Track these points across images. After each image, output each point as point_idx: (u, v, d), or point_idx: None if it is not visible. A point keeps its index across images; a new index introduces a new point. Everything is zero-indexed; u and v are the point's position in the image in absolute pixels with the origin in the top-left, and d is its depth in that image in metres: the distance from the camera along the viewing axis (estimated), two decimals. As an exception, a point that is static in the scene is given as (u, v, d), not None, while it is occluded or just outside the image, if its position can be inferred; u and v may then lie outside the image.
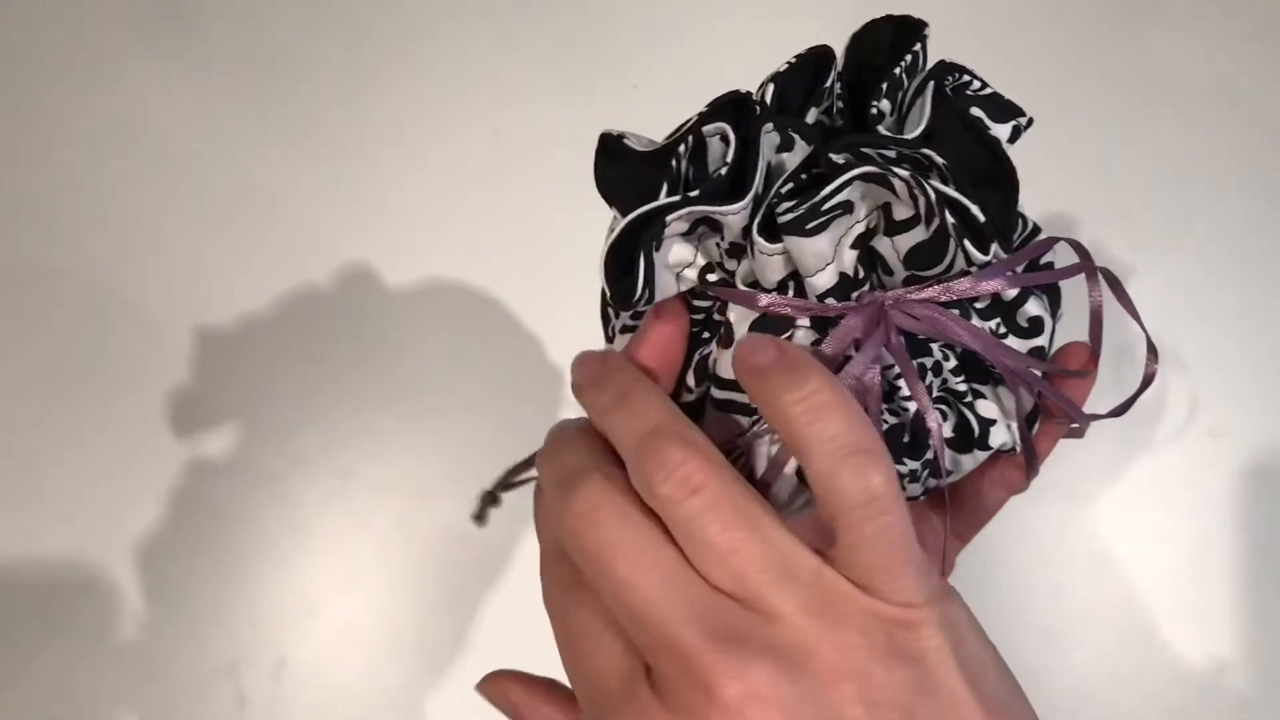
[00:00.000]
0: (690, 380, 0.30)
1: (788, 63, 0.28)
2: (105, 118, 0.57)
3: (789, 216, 0.25)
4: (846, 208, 0.25)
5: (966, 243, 0.25)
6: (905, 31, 0.28)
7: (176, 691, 0.49)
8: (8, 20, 0.58)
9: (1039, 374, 0.29)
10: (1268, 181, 0.54)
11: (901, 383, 0.28)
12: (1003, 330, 0.29)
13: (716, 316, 0.29)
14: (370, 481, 0.52)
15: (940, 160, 0.25)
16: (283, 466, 0.52)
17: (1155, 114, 0.56)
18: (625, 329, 0.31)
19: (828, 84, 0.28)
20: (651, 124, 0.30)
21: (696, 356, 0.29)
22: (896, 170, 0.24)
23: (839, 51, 0.28)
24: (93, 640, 0.49)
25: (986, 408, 0.29)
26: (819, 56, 0.28)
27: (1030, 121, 0.28)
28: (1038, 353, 0.29)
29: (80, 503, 0.51)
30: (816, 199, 0.24)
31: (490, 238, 0.55)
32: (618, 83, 0.57)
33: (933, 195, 0.24)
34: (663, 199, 0.26)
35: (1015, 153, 0.27)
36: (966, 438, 0.29)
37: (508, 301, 0.53)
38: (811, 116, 0.28)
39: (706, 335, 0.29)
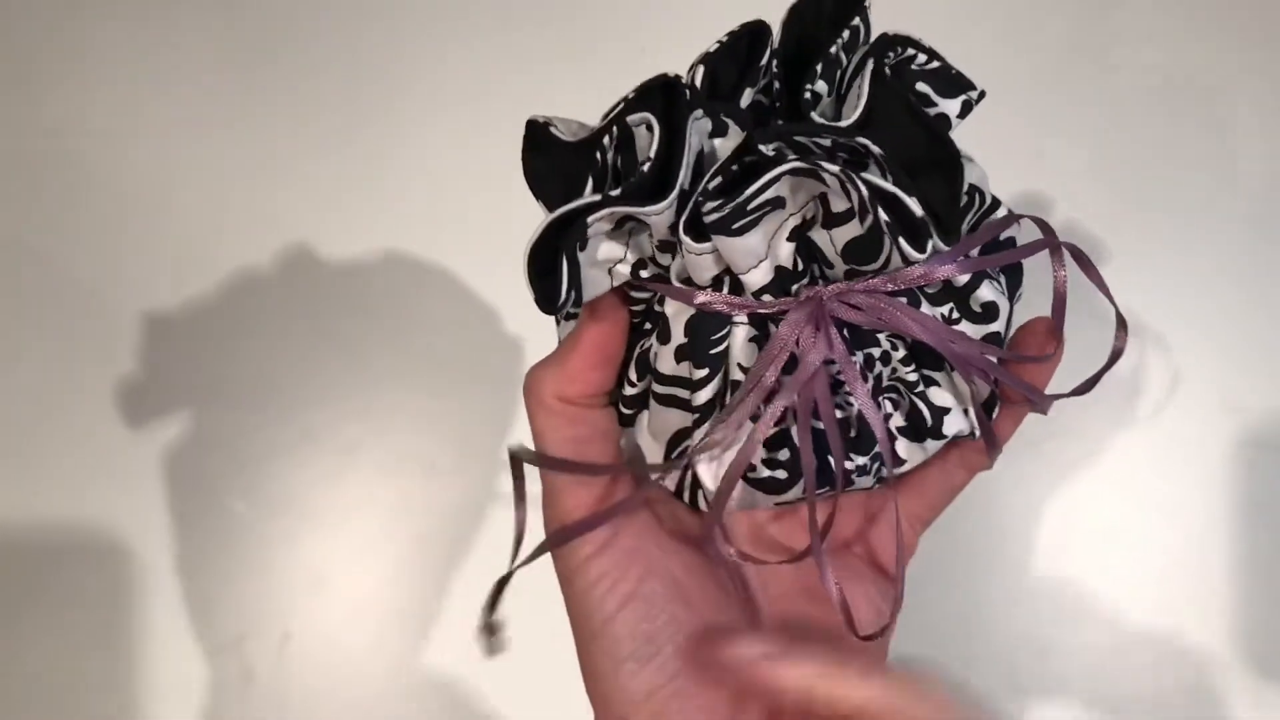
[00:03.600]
0: (632, 374, 0.29)
1: (719, 41, 0.26)
2: (113, 93, 0.57)
3: (714, 216, 0.23)
4: (777, 203, 0.24)
5: (901, 240, 0.23)
6: (845, 4, 0.26)
7: (182, 664, 0.49)
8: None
9: (994, 360, 0.27)
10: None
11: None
12: (955, 316, 0.27)
13: (657, 308, 0.28)
14: (377, 457, 0.52)
15: (877, 150, 0.24)
16: (290, 441, 0.52)
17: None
18: (569, 316, 0.30)
19: (763, 61, 0.26)
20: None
21: (638, 350, 0.28)
22: (825, 165, 0.23)
23: (776, 24, 0.27)
24: (99, 613, 0.50)
25: (940, 395, 0.28)
26: (753, 32, 0.26)
27: (982, 95, 0.26)
28: (993, 338, 0.27)
29: (88, 476, 0.51)
30: (741, 198, 0.23)
31: (499, 210, 0.54)
32: (627, 47, 0.55)
33: (865, 191, 0.23)
34: (585, 197, 0.24)
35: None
36: (919, 427, 0.28)
37: (516, 278, 0.53)
38: (747, 97, 0.26)
39: (649, 327, 0.28)
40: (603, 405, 0.28)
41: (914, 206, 0.23)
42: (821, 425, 0.27)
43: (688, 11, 0.55)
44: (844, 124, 0.24)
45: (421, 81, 0.56)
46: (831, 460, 0.27)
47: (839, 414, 0.27)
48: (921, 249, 0.23)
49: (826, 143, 0.24)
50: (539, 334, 0.52)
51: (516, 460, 0.28)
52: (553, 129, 0.26)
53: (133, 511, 0.51)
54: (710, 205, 0.23)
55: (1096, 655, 0.48)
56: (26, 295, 0.54)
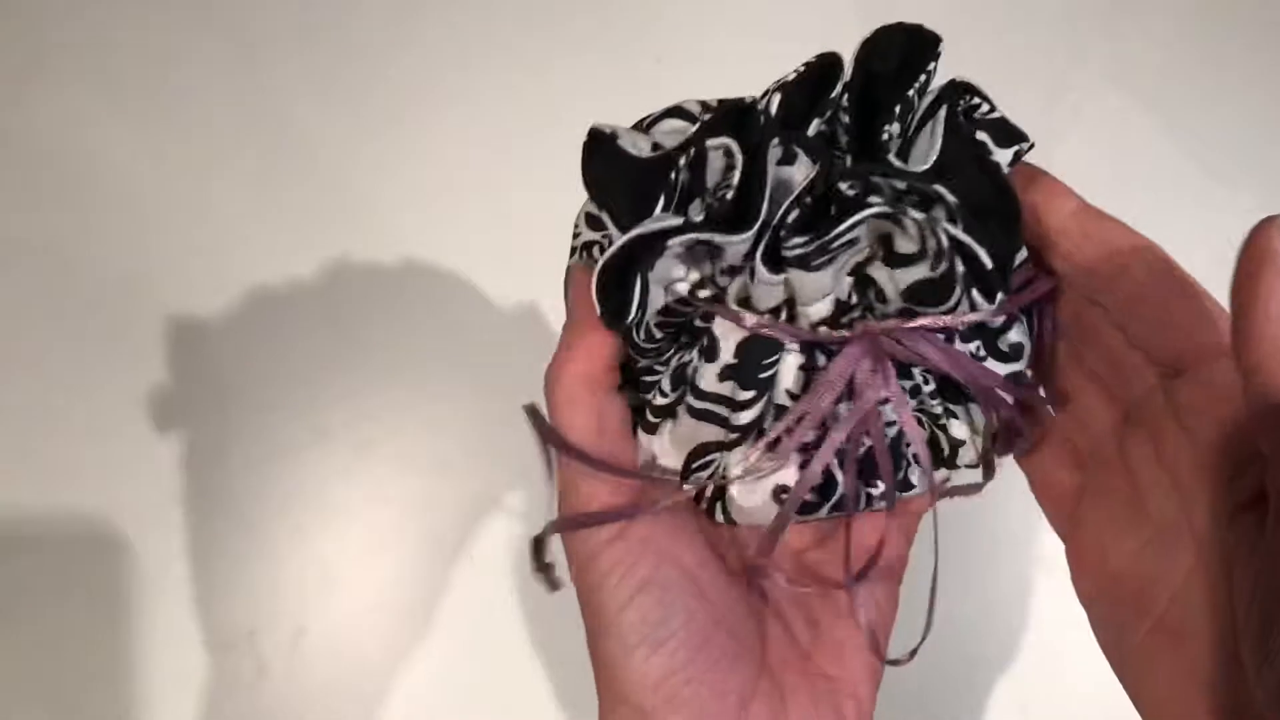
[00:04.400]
0: (666, 385, 0.29)
1: (796, 71, 0.26)
2: (132, 96, 0.56)
3: (797, 252, 0.24)
4: (853, 242, 0.24)
5: (974, 291, 0.24)
6: (917, 45, 0.26)
7: (195, 658, 0.49)
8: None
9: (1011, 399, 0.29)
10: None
11: (883, 407, 0.28)
12: (982, 353, 0.29)
13: (698, 323, 0.28)
14: (391, 454, 0.52)
15: (951, 198, 0.25)
16: (304, 438, 0.52)
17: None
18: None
19: (833, 95, 0.26)
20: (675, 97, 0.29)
21: (675, 363, 0.29)
22: (910, 212, 0.23)
23: (847, 56, 0.27)
24: (112, 606, 0.50)
25: (958, 428, 0.29)
26: (827, 65, 0.26)
27: (1031, 146, 0.27)
28: (1016, 377, 0.29)
29: (102, 468, 0.51)
30: (828, 237, 0.23)
31: (514, 210, 0.54)
32: (641, 55, 0.56)
33: (944, 240, 0.23)
34: (662, 218, 0.24)
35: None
36: (936, 456, 0.29)
37: (532, 275, 0.53)
38: (814, 128, 0.27)
39: (685, 340, 0.29)
40: (617, 388, 0.29)
41: (986, 259, 0.24)
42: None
43: (699, 20, 0.56)
44: (919, 169, 0.25)
45: (440, 84, 0.56)
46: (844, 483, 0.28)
47: (868, 441, 0.28)
48: (991, 300, 0.24)
49: (901, 185, 0.25)
50: (549, 334, 0.53)
51: (537, 420, 0.28)
52: (620, 142, 0.26)
53: (147, 507, 0.51)
54: (796, 241, 0.24)
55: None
56: (48, 295, 0.54)
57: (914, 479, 0.30)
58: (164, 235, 0.54)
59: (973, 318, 0.26)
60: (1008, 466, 0.31)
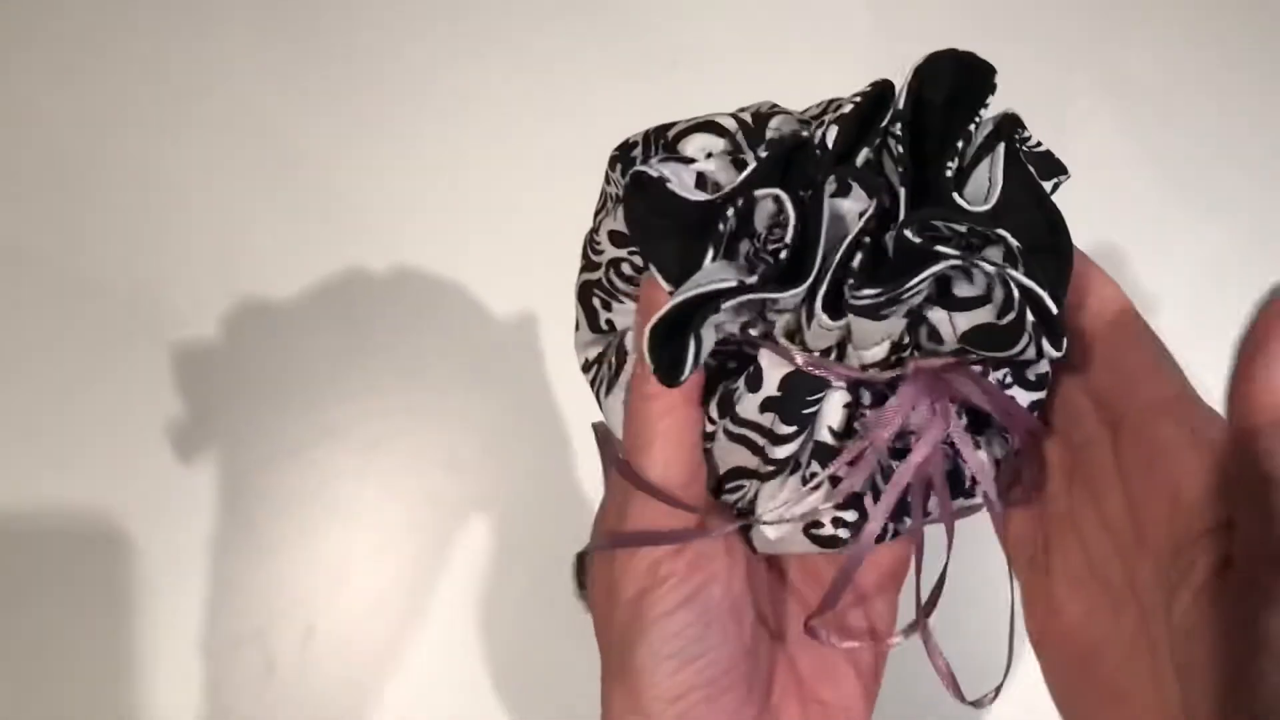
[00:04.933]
0: (713, 412, 0.28)
1: (852, 103, 0.25)
2: (143, 96, 0.55)
3: (866, 302, 0.23)
4: (922, 290, 0.24)
5: (1044, 340, 0.24)
6: (971, 74, 0.25)
7: (204, 656, 0.49)
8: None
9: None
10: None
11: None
12: (1009, 380, 0.29)
13: (747, 350, 0.27)
14: (401, 453, 0.52)
15: (1014, 242, 0.24)
16: (314, 436, 0.51)
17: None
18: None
19: (884, 123, 0.25)
20: (693, 101, 0.29)
21: (721, 389, 0.28)
22: (981, 265, 0.23)
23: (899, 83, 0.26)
24: (121, 603, 0.49)
25: (978, 460, 0.30)
26: (880, 94, 0.25)
27: (1068, 177, 0.27)
28: (1036, 405, 0.29)
29: (112, 466, 0.51)
30: (899, 290, 0.23)
31: (526, 211, 0.54)
32: (656, 56, 0.55)
33: (1015, 291, 0.23)
34: (716, 277, 0.23)
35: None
36: (957, 486, 0.29)
37: (541, 275, 0.51)
38: (862, 156, 0.26)
39: (733, 365, 0.28)
40: (700, 402, 0.28)
41: (1051, 305, 0.24)
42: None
43: (714, 21, 0.55)
44: (980, 208, 0.25)
45: (452, 86, 0.56)
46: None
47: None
48: (1059, 347, 0.24)
49: (962, 228, 0.24)
50: (558, 334, 0.52)
51: (604, 443, 0.29)
52: (669, 185, 0.24)
53: (157, 505, 0.50)
54: (866, 293, 0.23)
55: None
56: (60, 295, 0.53)
57: (930, 506, 0.30)
58: (175, 235, 0.53)
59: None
60: None
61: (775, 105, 0.28)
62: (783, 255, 0.23)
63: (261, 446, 0.51)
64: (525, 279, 0.52)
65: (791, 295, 0.23)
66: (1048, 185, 0.27)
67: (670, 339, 0.24)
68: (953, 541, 0.32)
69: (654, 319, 0.23)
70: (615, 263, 0.29)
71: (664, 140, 0.28)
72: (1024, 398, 0.29)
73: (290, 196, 0.54)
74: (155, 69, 0.55)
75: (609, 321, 0.31)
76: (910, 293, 0.23)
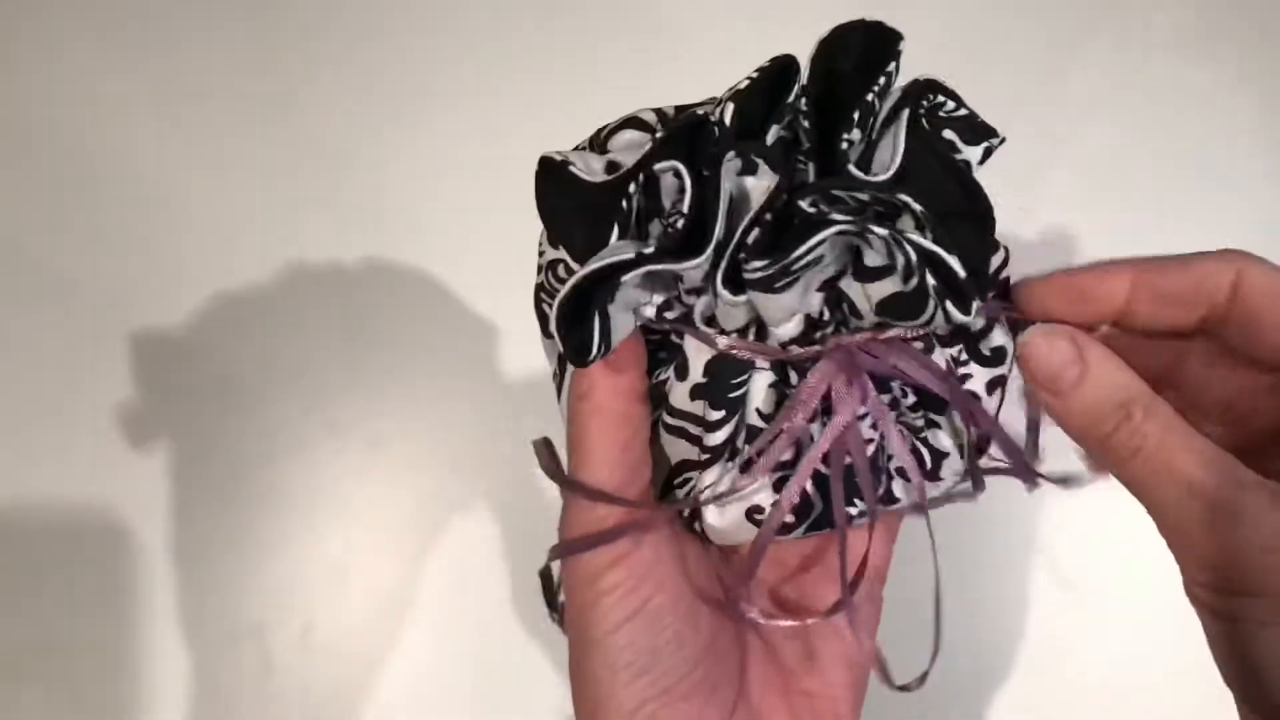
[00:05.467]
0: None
1: (749, 77, 0.25)
2: (149, 100, 0.56)
3: (758, 275, 0.23)
4: (816, 260, 0.23)
5: (948, 303, 0.23)
6: (877, 43, 0.25)
7: (202, 651, 0.49)
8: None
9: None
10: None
11: (860, 423, 0.27)
12: (965, 358, 0.28)
13: (674, 338, 0.27)
14: (402, 450, 0.51)
15: (917, 206, 0.23)
16: (316, 434, 0.51)
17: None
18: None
19: (790, 98, 0.25)
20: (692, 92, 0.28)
21: (653, 379, 0.28)
22: (874, 229, 0.22)
23: (803, 57, 0.26)
24: (120, 598, 0.50)
25: (941, 439, 0.28)
26: (782, 68, 0.25)
27: (1002, 141, 0.26)
28: (998, 381, 0.28)
29: (111, 461, 0.51)
30: (788, 260, 0.22)
31: (531, 208, 0.53)
32: (657, 50, 0.55)
33: (913, 255, 0.22)
34: (616, 251, 0.23)
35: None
36: (918, 468, 0.28)
37: None
38: (773, 134, 0.25)
39: (664, 355, 0.28)
40: (644, 397, 0.28)
41: (958, 268, 0.23)
42: (826, 471, 0.27)
43: (715, 14, 0.55)
44: (881, 178, 0.24)
45: (456, 81, 0.55)
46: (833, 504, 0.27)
47: (848, 460, 0.27)
48: (966, 311, 0.23)
49: (864, 197, 0.24)
50: None
51: (543, 455, 0.29)
52: (572, 168, 0.25)
53: (157, 500, 0.51)
54: (756, 265, 0.23)
55: (1119, 657, 0.49)
56: (62, 287, 0.53)
57: (897, 492, 0.29)
58: (178, 231, 0.54)
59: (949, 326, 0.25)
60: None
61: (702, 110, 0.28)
62: (679, 225, 0.23)
63: (263, 443, 0.51)
64: (530, 279, 0.53)
65: (691, 266, 0.23)
66: (977, 150, 0.26)
67: (580, 321, 0.24)
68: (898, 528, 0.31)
69: (558, 299, 0.23)
70: (553, 264, 0.29)
71: (597, 142, 0.28)
72: (980, 374, 0.28)
73: (294, 193, 0.54)
74: (159, 64, 0.56)
75: None
76: (799, 263, 0.23)
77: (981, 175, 0.26)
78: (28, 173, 0.54)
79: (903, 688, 0.27)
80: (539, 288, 0.30)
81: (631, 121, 0.27)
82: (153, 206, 0.54)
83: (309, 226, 0.53)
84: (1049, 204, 0.52)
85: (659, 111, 0.27)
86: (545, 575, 0.32)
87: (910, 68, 0.26)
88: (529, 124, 0.54)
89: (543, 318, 0.31)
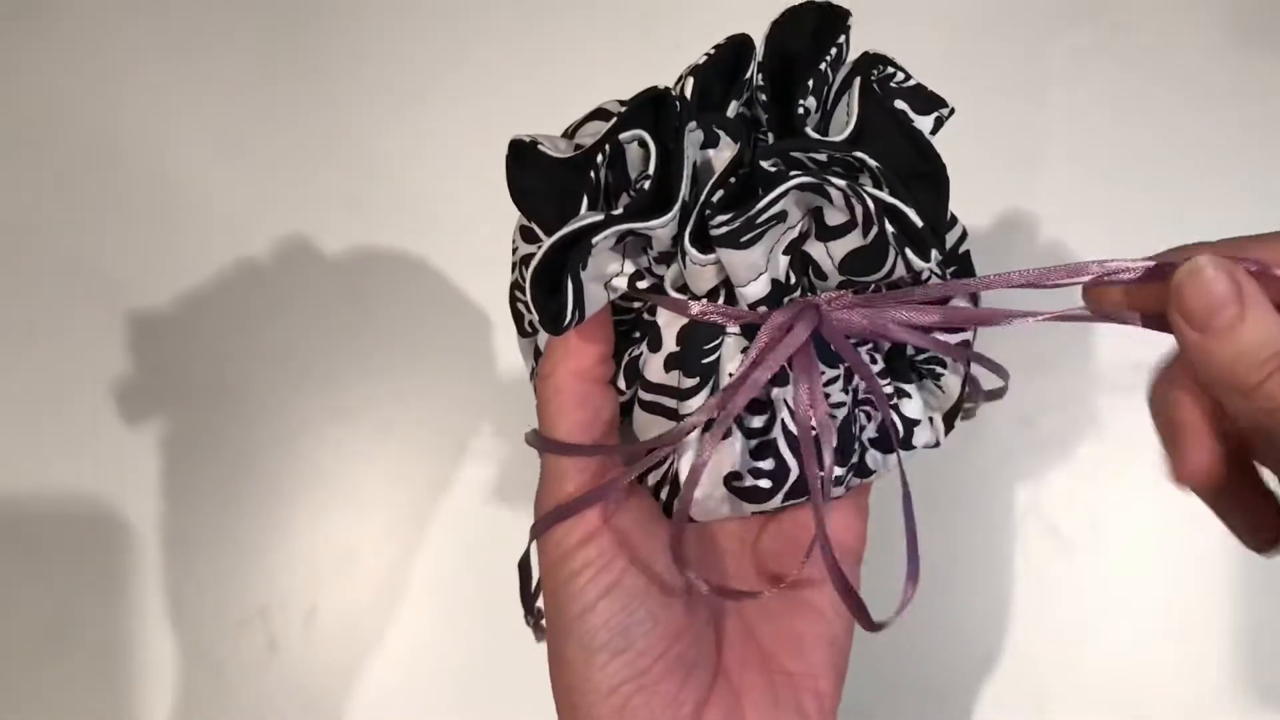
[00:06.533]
0: (621, 382, 0.29)
1: (706, 54, 0.26)
2: (161, 66, 0.56)
3: (723, 230, 0.24)
4: (780, 217, 0.24)
5: (907, 251, 0.24)
6: (828, 20, 0.27)
7: (206, 633, 0.50)
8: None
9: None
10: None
11: (831, 388, 0.28)
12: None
13: (646, 316, 0.28)
14: (410, 435, 0.52)
15: (873, 163, 0.25)
16: (324, 417, 0.52)
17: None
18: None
19: (747, 75, 0.26)
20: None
21: (627, 357, 0.29)
22: (832, 180, 0.23)
23: (758, 38, 0.27)
24: (123, 580, 0.50)
25: (911, 408, 0.29)
26: (738, 46, 0.26)
27: (952, 112, 0.27)
28: (965, 345, 0.29)
29: (119, 443, 0.51)
30: (752, 212, 0.23)
31: None
32: (660, 41, 0.55)
33: (871, 204, 0.23)
34: (584, 217, 0.24)
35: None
36: (890, 439, 0.29)
37: None
38: (733, 109, 0.27)
39: (637, 335, 0.29)
40: (606, 381, 0.29)
41: (915, 217, 0.24)
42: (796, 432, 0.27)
43: (717, 4, 0.54)
44: (838, 139, 0.25)
45: (465, 71, 0.56)
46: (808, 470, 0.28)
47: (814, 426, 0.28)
48: (926, 257, 0.24)
49: (822, 157, 0.25)
50: None
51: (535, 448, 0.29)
52: (540, 147, 0.26)
53: (164, 483, 0.51)
54: (720, 219, 0.24)
55: (1121, 659, 0.48)
56: (74, 269, 0.54)
57: (870, 463, 0.29)
58: (189, 216, 0.54)
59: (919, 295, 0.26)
60: (1014, 465, 0.31)
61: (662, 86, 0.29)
62: (646, 186, 0.24)
63: (272, 426, 0.51)
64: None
65: (659, 225, 0.24)
66: (928, 120, 0.27)
67: (553, 289, 0.25)
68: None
69: (532, 266, 0.24)
70: (526, 259, 0.30)
71: (567, 135, 0.29)
72: (948, 338, 0.29)
73: (308, 180, 0.54)
74: (177, 55, 0.56)
75: (531, 324, 0.31)
76: (763, 214, 0.24)
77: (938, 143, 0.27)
78: (40, 158, 0.55)
79: (880, 625, 0.27)
80: (513, 286, 0.31)
81: (597, 113, 0.28)
82: (162, 192, 0.54)
83: (322, 216, 0.54)
84: (1045, 197, 0.52)
85: (622, 101, 0.29)
86: (524, 567, 0.32)
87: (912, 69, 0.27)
88: (544, 119, 0.54)
89: (518, 317, 0.31)
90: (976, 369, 0.30)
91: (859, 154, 0.25)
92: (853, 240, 0.25)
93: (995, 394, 0.31)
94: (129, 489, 0.51)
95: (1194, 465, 0.26)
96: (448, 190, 0.54)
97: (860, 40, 0.27)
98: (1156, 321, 0.25)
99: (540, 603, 0.30)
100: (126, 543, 0.51)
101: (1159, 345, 0.26)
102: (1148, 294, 0.26)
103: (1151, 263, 0.25)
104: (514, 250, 0.30)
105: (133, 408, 0.52)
